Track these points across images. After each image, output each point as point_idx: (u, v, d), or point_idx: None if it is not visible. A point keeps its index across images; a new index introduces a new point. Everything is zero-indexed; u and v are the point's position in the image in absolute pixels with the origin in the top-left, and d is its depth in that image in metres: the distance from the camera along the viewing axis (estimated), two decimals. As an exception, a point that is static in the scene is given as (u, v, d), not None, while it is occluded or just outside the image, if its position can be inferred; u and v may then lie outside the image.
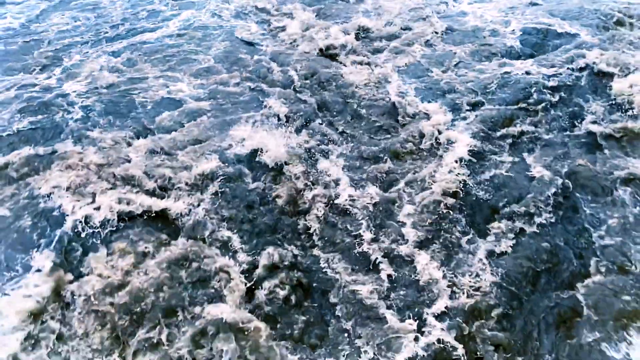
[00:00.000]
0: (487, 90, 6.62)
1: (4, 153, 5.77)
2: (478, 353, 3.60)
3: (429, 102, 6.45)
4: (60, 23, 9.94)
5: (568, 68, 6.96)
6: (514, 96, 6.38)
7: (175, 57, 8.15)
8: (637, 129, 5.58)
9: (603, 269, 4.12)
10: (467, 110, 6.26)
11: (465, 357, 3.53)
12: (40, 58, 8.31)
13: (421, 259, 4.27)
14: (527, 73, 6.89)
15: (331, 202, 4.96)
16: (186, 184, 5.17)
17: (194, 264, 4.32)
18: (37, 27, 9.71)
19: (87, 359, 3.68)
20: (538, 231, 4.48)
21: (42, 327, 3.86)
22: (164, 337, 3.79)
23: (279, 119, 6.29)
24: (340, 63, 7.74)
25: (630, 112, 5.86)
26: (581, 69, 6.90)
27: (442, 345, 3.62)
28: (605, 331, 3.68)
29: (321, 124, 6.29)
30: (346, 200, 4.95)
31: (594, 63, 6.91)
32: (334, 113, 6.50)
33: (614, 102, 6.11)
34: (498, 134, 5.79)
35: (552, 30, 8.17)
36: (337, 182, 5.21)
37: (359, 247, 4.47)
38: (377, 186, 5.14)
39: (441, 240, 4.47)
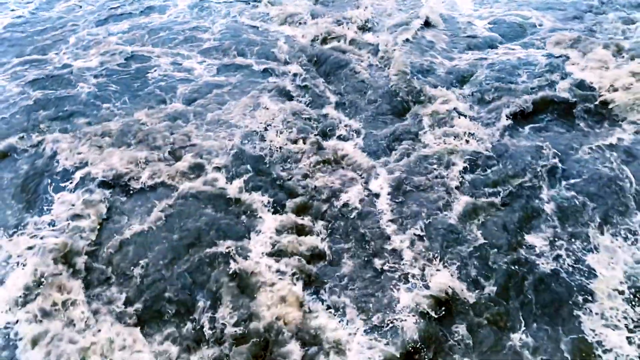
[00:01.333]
0: (478, 74, 7.10)
1: (22, 120, 6.22)
2: (467, 325, 3.84)
3: (429, 85, 6.82)
4: (68, 8, 10.22)
5: (540, 52, 7.59)
6: (498, 78, 6.91)
7: (182, 34, 8.54)
8: (600, 104, 6.17)
9: (563, 226, 4.64)
10: (461, 91, 6.72)
11: (450, 332, 3.79)
12: (51, 40, 8.63)
13: (419, 242, 4.50)
14: (508, 57, 7.49)
15: (340, 180, 5.23)
16: (199, 153, 5.49)
17: (212, 217, 4.69)
18: (46, 14, 9.98)
19: (103, 301, 4.02)
20: (519, 193, 4.95)
21: (65, 267, 4.24)
22: (184, 284, 4.10)
23: (288, 96, 6.63)
24: (342, 47, 8.13)
25: (596, 91, 6.38)
26: (551, 53, 7.48)
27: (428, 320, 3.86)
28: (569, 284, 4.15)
29: (328, 101, 6.66)
30: (349, 180, 5.24)
31: (562, 47, 7.55)
32: (339, 93, 6.88)
33: (580, 80, 6.65)
34: (488, 108, 6.31)
35: (527, 21, 8.85)
36: (346, 163, 5.51)
37: (363, 229, 4.71)
38: (378, 167, 5.45)
39: (438, 223, 4.72)
